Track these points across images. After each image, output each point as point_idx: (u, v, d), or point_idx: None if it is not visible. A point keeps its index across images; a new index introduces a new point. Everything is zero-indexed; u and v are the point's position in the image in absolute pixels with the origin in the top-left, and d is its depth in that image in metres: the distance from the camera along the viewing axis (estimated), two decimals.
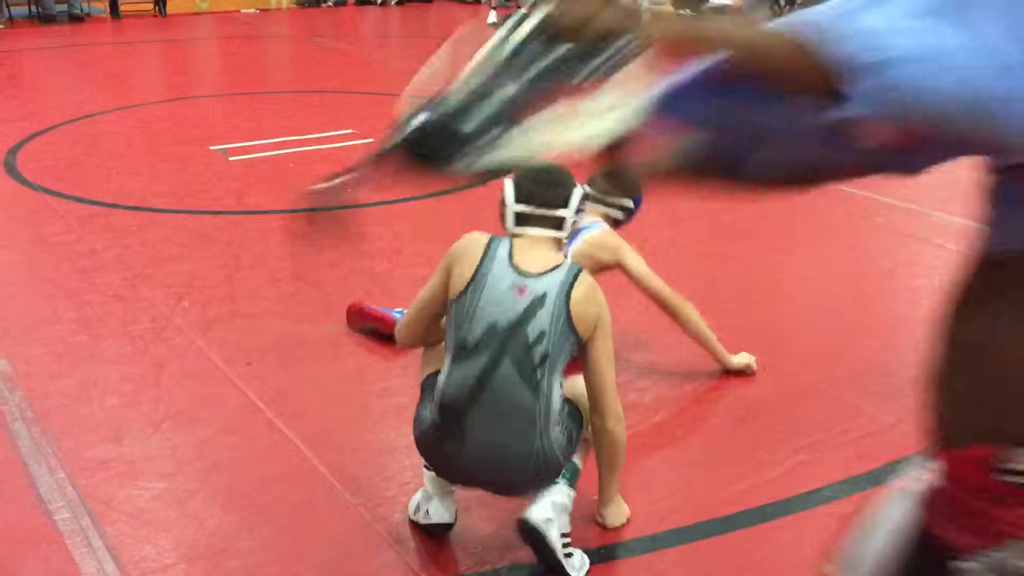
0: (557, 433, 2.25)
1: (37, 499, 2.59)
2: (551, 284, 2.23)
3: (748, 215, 4.74)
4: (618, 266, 3.14)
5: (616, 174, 1.97)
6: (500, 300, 2.21)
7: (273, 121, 6.63)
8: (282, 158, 5.79)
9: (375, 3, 13.21)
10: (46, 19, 11.22)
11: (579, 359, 2.30)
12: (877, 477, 2.70)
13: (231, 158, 5.81)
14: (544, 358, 2.20)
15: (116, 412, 3.02)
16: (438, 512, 2.40)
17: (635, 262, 3.14)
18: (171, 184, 5.34)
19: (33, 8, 11.40)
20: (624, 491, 2.52)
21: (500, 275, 2.23)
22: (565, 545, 2.29)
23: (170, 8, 11.97)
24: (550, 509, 2.27)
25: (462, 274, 2.25)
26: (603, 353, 2.28)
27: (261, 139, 6.13)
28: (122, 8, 11.68)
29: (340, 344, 3.49)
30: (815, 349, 3.50)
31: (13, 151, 5.87)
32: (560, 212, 2.31)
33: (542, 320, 2.20)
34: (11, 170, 5.51)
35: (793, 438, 2.92)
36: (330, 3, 12.80)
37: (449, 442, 2.25)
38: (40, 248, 4.42)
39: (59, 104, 7.31)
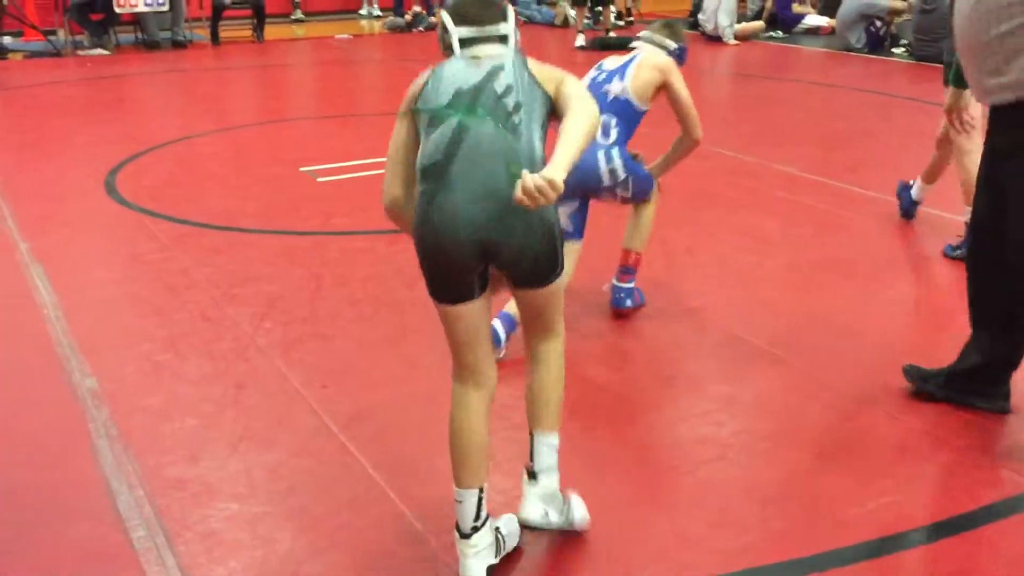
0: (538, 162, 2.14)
1: (115, 516, 2.63)
2: (505, 56, 2.24)
3: (846, 246, 4.59)
4: (664, 85, 3.66)
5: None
6: (458, 72, 2.22)
7: (362, 143, 6.71)
8: (369, 180, 5.84)
9: None
10: (150, 45, 11.65)
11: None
12: (966, 523, 2.55)
13: (320, 179, 5.90)
14: (518, 106, 2.16)
15: (195, 432, 3.06)
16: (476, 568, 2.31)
17: (679, 83, 3.67)
18: (261, 204, 5.44)
19: (138, 35, 11.85)
20: (696, 526, 2.43)
21: (452, 64, 2.24)
22: (562, 512, 2.42)
23: (267, 34, 12.31)
24: (540, 504, 2.40)
25: (416, 89, 2.26)
26: (575, 90, 2.22)
27: (350, 160, 6.22)
28: (222, 35, 12.06)
29: (417, 367, 3.48)
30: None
31: (114, 172, 6.08)
32: (502, 27, 2.28)
33: (506, 77, 2.19)
34: (111, 190, 5.70)
35: (877, 477, 2.79)
36: (421, 28, 12.98)
37: (440, 199, 2.13)
38: (133, 266, 4.55)
39: (159, 126, 7.56)
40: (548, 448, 2.40)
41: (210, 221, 5.12)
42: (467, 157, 2.12)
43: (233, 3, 12.09)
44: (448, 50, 2.29)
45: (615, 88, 3.67)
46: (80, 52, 11.17)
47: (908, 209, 5.04)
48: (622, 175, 3.64)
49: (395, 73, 10.47)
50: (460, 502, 2.30)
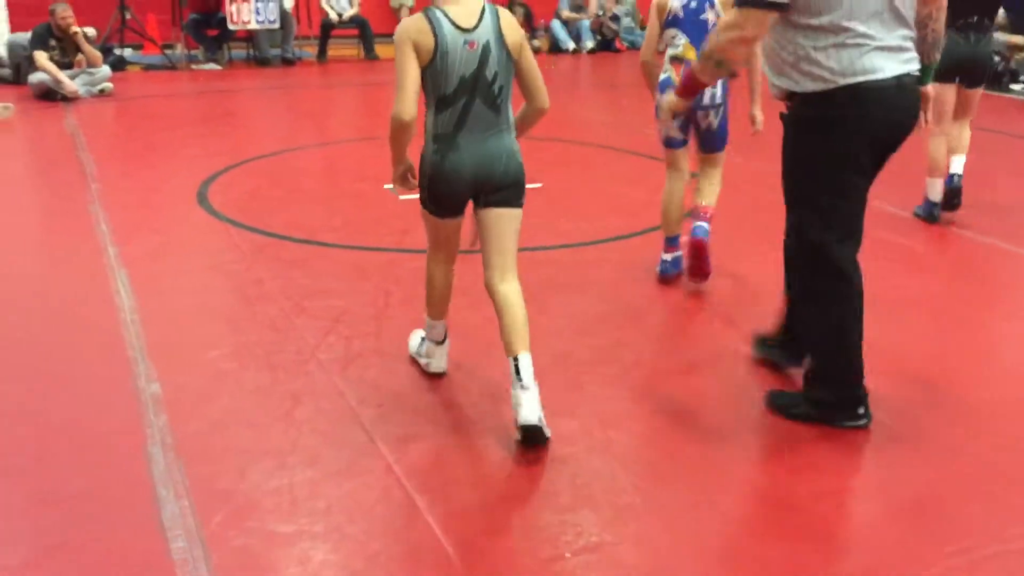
0: (513, 138, 3.20)
1: (158, 525, 2.64)
2: (487, 30, 3.07)
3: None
4: None
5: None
6: (460, 58, 3.05)
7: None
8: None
9: (567, 51, 13.35)
10: (261, 62, 12.01)
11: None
12: None
13: (401, 196, 5.90)
14: (500, 89, 3.12)
15: (246, 444, 3.06)
16: (439, 364, 3.50)
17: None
18: (342, 219, 5.49)
19: (250, 51, 12.23)
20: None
21: (453, 40, 3.04)
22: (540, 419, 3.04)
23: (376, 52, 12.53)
24: (538, 407, 3.02)
25: (427, 49, 3.04)
26: (530, 57, 3.19)
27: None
28: (330, 52, 12.35)
29: (470, 394, 3.42)
30: (1006, 438, 3.12)
31: (207, 182, 6.24)
32: None
33: (493, 63, 3.08)
34: (202, 200, 5.84)
35: (950, 538, 2.59)
36: None
37: (450, 156, 3.12)
38: (213, 275, 4.63)
39: (258, 140, 7.75)
40: (525, 362, 3.08)
41: (291, 233, 5.19)
42: (469, 129, 3.12)
43: (341, 22, 12.37)
44: None
45: (710, 16, 4.21)
46: (194, 66, 11.58)
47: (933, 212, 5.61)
48: (719, 100, 4.28)
49: None
50: (434, 327, 3.48)
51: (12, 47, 10.16)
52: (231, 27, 11.58)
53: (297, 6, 12.50)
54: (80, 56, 9.44)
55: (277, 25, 11.75)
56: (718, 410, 3.34)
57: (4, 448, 3.05)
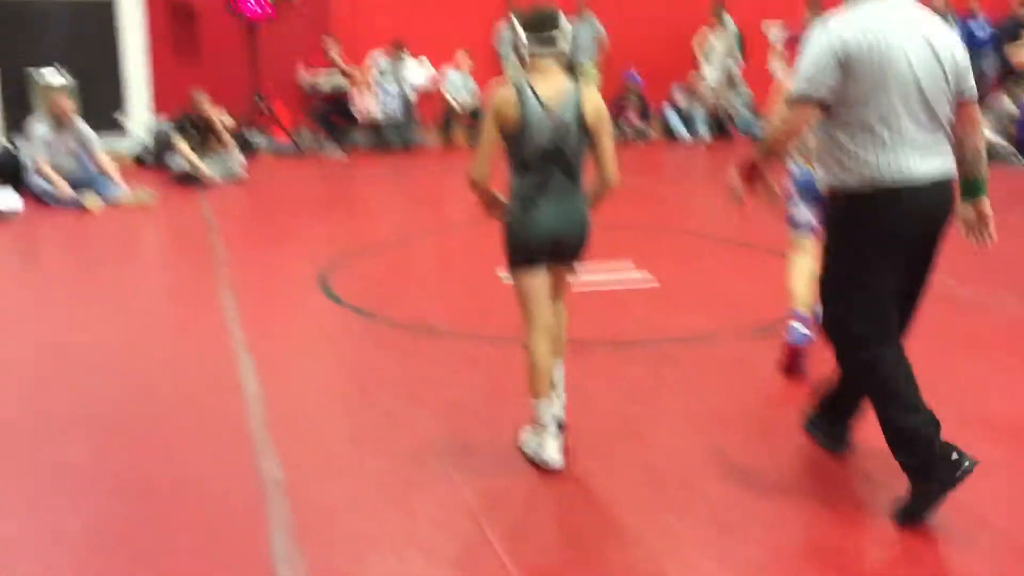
0: (585, 201, 3.59)
1: None
2: (568, 108, 3.46)
3: None
4: None
5: None
6: (542, 132, 3.44)
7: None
8: None
9: (681, 140, 13.44)
10: (383, 148, 12.48)
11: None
12: None
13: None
14: (577, 160, 3.52)
15: (365, 529, 3.14)
16: (550, 454, 3.53)
17: None
18: (456, 307, 5.63)
19: (373, 138, 12.72)
20: None
21: (537, 114, 3.43)
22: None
23: None
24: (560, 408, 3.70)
25: (511, 119, 3.44)
26: (607, 136, 3.55)
27: None
28: (452, 139, 12.74)
29: (587, 488, 3.43)
30: None
31: (329, 267, 6.49)
32: (554, 32, 3.49)
33: (571, 138, 3.47)
34: (323, 285, 6.07)
35: None
36: (637, 140, 13.19)
37: (532, 214, 3.51)
38: (333, 361, 4.80)
39: (378, 226, 8.04)
40: (561, 368, 3.76)
41: (408, 321, 5.34)
42: (548, 193, 3.51)
43: (463, 110, 12.79)
44: (516, 51, 3.55)
45: None
46: (320, 152, 12.11)
47: None
48: None
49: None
50: (540, 408, 3.57)
51: (156, 133, 10.87)
52: (356, 116, 12.09)
53: (420, 97, 12.99)
54: (216, 142, 10.01)
55: (400, 114, 12.23)
56: (831, 511, 3.26)
57: (129, 525, 3.20)
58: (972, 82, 3.30)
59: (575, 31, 14.17)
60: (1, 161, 9.25)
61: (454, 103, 12.80)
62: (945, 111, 3.21)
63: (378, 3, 13.66)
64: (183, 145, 9.76)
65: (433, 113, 13.08)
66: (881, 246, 3.19)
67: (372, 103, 11.99)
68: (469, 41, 13.55)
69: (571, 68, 14.30)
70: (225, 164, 10.02)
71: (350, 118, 12.20)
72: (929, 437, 3.12)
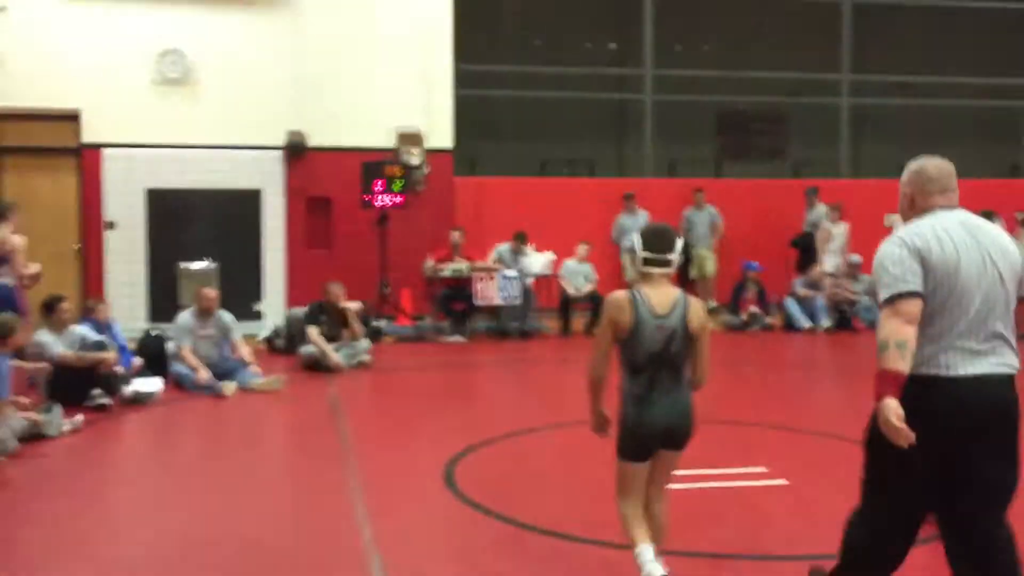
0: (690, 395, 4.08)
1: None
2: (676, 318, 3.96)
3: None
4: None
5: None
6: (652, 338, 3.94)
7: (690, 450, 6.60)
8: (685, 494, 5.74)
9: (802, 330, 13.26)
10: (502, 334, 12.72)
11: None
12: None
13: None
14: (682, 362, 4.01)
15: None
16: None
17: None
18: (585, 510, 5.52)
19: (492, 324, 13.01)
20: None
21: (647, 321, 3.93)
22: None
23: None
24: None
25: (626, 324, 3.93)
26: (706, 342, 4.05)
27: (685, 468, 6.07)
28: (569, 325, 12.90)
29: None
30: None
31: (454, 461, 6.52)
32: (670, 256, 4.05)
33: (677, 343, 3.96)
34: (449, 481, 6.09)
35: None
36: (756, 328, 13.09)
37: (646, 413, 4.00)
38: (460, 564, 4.74)
39: (500, 417, 8.07)
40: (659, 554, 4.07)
41: (536, 523, 5.26)
42: (659, 391, 4.00)
43: (580, 297, 13.00)
44: (633, 263, 4.17)
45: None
46: (441, 338, 12.41)
47: None
48: None
49: (722, 375, 10.39)
50: (642, 556, 4.03)
51: (289, 320, 11.38)
52: (477, 303, 12.43)
53: (538, 282, 13.31)
54: (345, 330, 10.40)
55: (520, 301, 12.51)
56: None
57: None
58: None
59: (693, 220, 14.52)
60: (147, 345, 9.78)
61: (572, 290, 13.04)
62: (1002, 312, 3.47)
63: (500, 197, 14.30)
64: (315, 333, 10.16)
65: (551, 299, 13.34)
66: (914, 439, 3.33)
67: (492, 290, 12.33)
68: (588, 231, 13.95)
69: (688, 254, 14.57)
70: (354, 351, 10.36)
71: (470, 304, 12.54)
72: None
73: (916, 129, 16.38)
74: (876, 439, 3.46)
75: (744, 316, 13.34)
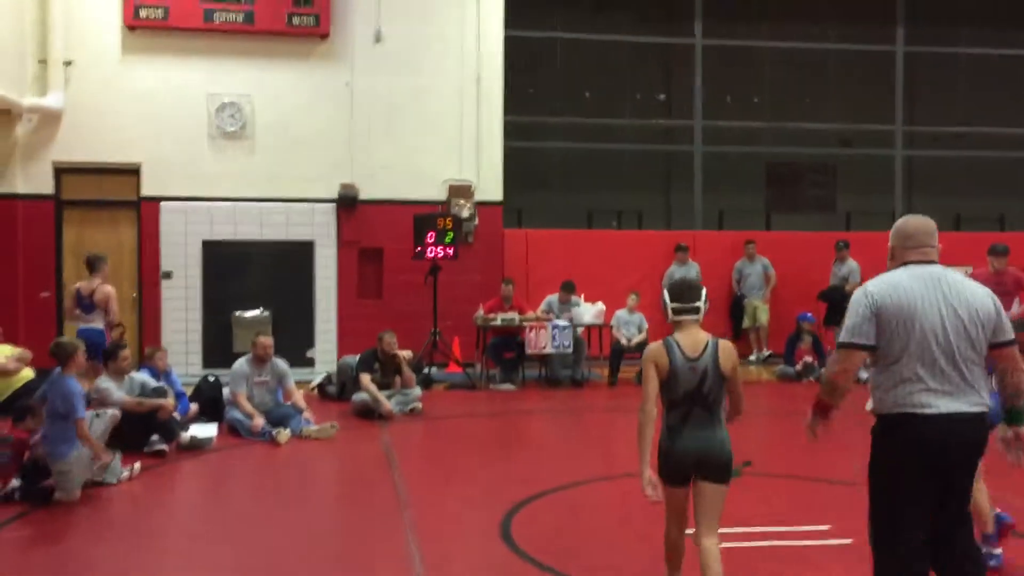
0: (724, 430, 4.54)
1: None
2: (707, 360, 4.49)
3: None
4: None
5: None
6: (686, 378, 4.48)
7: (755, 507, 6.46)
8: (747, 552, 5.64)
9: (859, 381, 13.03)
10: (552, 382, 12.67)
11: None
12: None
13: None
14: (714, 399, 4.51)
15: None
16: None
17: None
18: (642, 567, 5.45)
19: (542, 372, 12.97)
20: None
21: (682, 365, 4.49)
22: None
23: None
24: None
25: (663, 368, 4.50)
26: (738, 379, 4.58)
27: (740, 526, 5.96)
28: (619, 375, 12.83)
29: None
30: None
31: (509, 514, 6.47)
32: (696, 303, 4.60)
33: (708, 382, 4.49)
34: (506, 536, 6.04)
35: None
36: (811, 379, 12.90)
37: (678, 442, 4.51)
38: None
39: (552, 468, 8.00)
40: None
41: None
42: (692, 425, 4.51)
43: (631, 347, 12.93)
44: (664, 314, 4.80)
45: None
46: (492, 386, 12.40)
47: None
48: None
49: (782, 427, 10.21)
50: None
51: (341, 368, 11.45)
52: (528, 352, 12.41)
53: (588, 331, 13.27)
54: (397, 378, 10.44)
55: (571, 350, 12.48)
56: None
57: None
58: (1006, 329, 3.99)
59: (746, 271, 14.45)
60: (203, 390, 9.89)
61: (624, 340, 12.98)
62: (969, 358, 3.92)
63: (549, 248, 14.36)
64: (367, 380, 10.21)
65: (602, 348, 13.28)
66: (895, 469, 4.01)
67: (544, 339, 12.31)
68: (635, 282, 13.93)
69: (741, 305, 14.46)
70: (406, 399, 10.39)
71: (521, 352, 12.53)
72: None
73: (968, 180, 16.21)
74: (878, 477, 4.11)
75: (798, 366, 13.16)
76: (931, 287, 3.98)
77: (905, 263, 4.09)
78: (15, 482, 6.87)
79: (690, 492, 4.55)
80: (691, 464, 4.49)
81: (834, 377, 4.12)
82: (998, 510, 5.34)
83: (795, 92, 16.63)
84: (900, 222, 4.19)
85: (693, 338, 4.50)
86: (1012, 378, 4.03)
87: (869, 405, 4.22)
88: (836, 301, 13.64)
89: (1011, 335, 4.03)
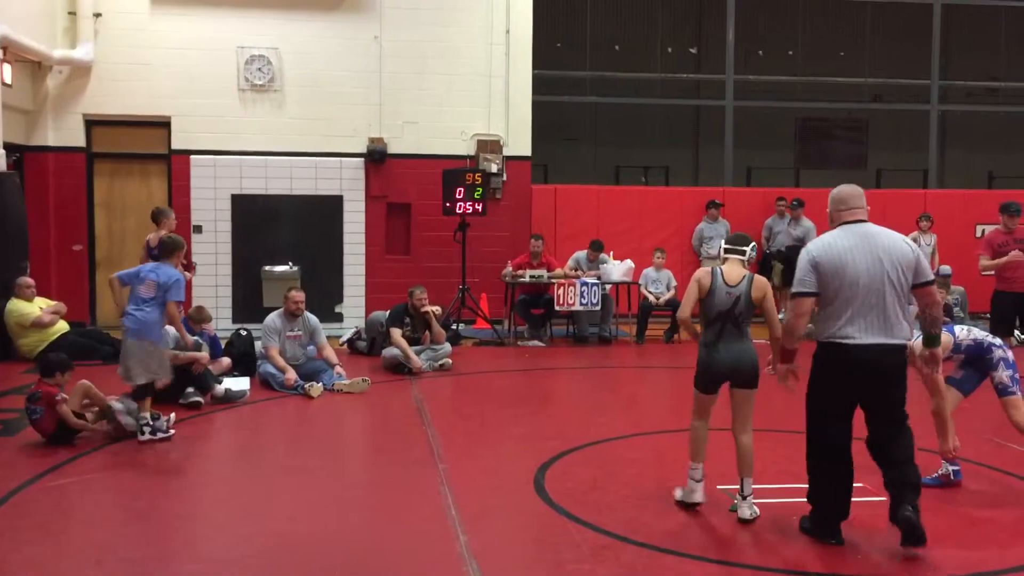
0: (751, 344, 5.45)
1: None
2: (743, 288, 5.48)
3: None
4: None
5: None
6: (721, 300, 5.47)
7: (781, 464, 6.55)
8: (781, 508, 5.68)
9: None
10: (579, 339, 12.70)
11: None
12: None
13: (736, 499, 5.84)
14: (743, 320, 5.49)
15: None
16: (698, 496, 5.65)
17: None
18: (678, 523, 5.49)
19: (569, 328, 13.00)
20: None
21: (720, 288, 5.49)
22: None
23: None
24: (747, 509, 5.48)
25: (705, 288, 5.50)
26: (770, 303, 5.55)
27: (765, 483, 6.05)
28: (647, 333, 12.83)
29: None
30: None
31: (543, 468, 6.53)
32: (743, 247, 5.63)
33: (740, 306, 5.46)
34: (539, 488, 6.10)
35: None
36: None
37: (715, 355, 5.50)
38: (556, 574, 4.74)
39: (583, 424, 8.04)
40: (748, 482, 5.51)
41: (628, 534, 5.26)
42: (725, 341, 5.49)
43: (660, 305, 12.92)
44: (718, 254, 6.00)
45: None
46: (520, 343, 12.44)
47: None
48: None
49: None
50: (695, 468, 5.68)
51: (370, 323, 11.51)
52: (556, 308, 12.42)
53: (617, 288, 13.25)
54: (427, 333, 10.49)
55: (599, 307, 12.47)
56: None
57: None
58: (925, 271, 4.96)
59: (776, 227, 14.32)
60: (235, 344, 9.98)
61: (650, 296, 12.97)
62: (892, 298, 4.88)
63: (577, 204, 14.29)
64: (398, 335, 10.27)
65: (631, 306, 13.28)
66: (825, 386, 5.13)
67: (572, 296, 12.31)
68: (663, 238, 13.86)
69: (769, 264, 14.37)
70: (435, 355, 10.44)
71: (549, 309, 12.54)
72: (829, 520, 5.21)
73: (1000, 137, 15.96)
74: (812, 387, 5.18)
75: None
76: (860, 242, 4.93)
77: (842, 223, 5.05)
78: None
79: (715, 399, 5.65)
80: (727, 373, 5.49)
81: (791, 323, 5.12)
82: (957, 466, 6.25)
83: (829, 46, 16.38)
84: (835, 191, 5.14)
85: (734, 271, 5.53)
86: (931, 312, 5.08)
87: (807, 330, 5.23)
88: (793, 261, 13.54)
89: (930, 276, 5.01)
